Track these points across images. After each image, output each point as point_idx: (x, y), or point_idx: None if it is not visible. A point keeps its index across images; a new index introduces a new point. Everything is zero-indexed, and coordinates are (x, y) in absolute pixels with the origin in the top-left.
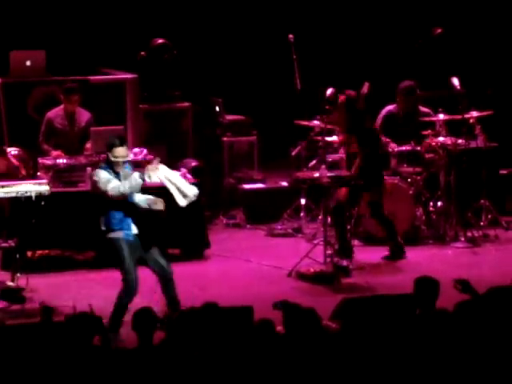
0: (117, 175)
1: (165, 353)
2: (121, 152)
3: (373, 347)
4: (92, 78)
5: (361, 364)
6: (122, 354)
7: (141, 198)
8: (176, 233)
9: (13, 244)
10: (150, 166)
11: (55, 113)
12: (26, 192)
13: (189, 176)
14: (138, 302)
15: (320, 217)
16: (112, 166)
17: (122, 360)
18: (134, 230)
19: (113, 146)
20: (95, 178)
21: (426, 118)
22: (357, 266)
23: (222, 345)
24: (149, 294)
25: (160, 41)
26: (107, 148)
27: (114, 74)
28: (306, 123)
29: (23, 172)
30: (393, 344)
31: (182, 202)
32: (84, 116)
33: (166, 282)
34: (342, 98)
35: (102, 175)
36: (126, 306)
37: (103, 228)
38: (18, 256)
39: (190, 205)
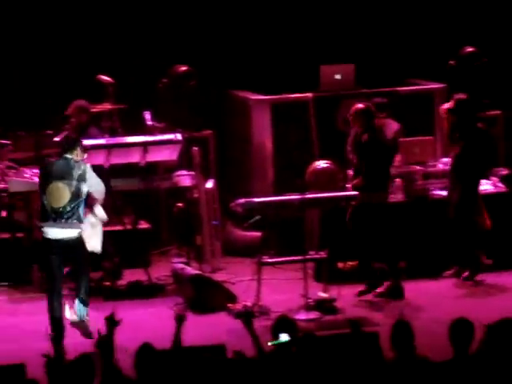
0: None
1: None
2: None
3: None
4: (400, 89)
5: None
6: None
7: None
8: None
9: (324, 255)
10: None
11: None
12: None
13: (500, 185)
14: None
15: None
16: None
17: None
18: None
19: None
20: None
21: None
22: None
23: None
24: None
25: (469, 49)
26: None
27: (423, 84)
28: None
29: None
30: None
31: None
32: (393, 127)
33: None
34: None
35: None
36: None
37: None
38: (328, 267)
39: None
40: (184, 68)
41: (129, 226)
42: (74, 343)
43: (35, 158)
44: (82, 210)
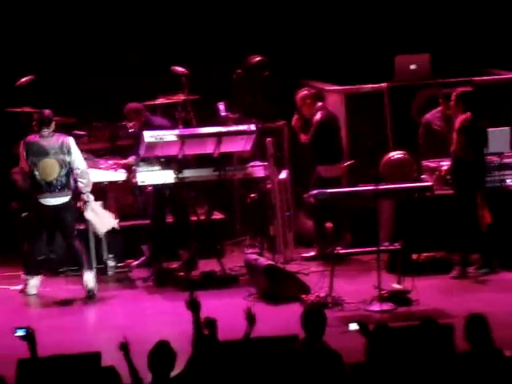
0: None
1: None
2: None
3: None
4: (476, 78)
5: None
6: None
7: None
8: None
9: (398, 246)
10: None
11: (433, 115)
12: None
13: None
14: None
15: None
16: None
17: None
18: None
19: None
20: None
21: None
22: None
23: None
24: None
25: None
26: None
27: (499, 74)
28: None
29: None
30: None
31: (102, 230)
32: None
33: None
34: None
35: None
36: None
37: None
38: (403, 258)
39: None
40: (258, 58)
41: (203, 217)
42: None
43: (110, 148)
44: (70, 177)
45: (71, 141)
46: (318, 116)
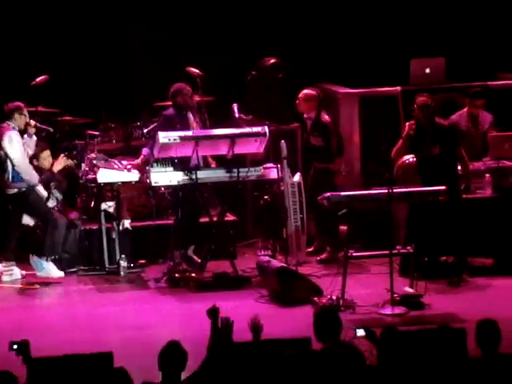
0: None
1: None
2: None
3: None
4: (491, 83)
5: None
6: None
7: None
8: None
9: (411, 250)
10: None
11: (459, 115)
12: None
13: None
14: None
15: None
16: None
17: None
18: None
19: None
20: None
21: None
22: None
23: None
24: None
25: None
26: None
27: None
28: None
29: None
30: None
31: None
32: (487, 118)
33: None
34: None
35: None
36: None
37: None
38: (415, 262)
39: None
40: (273, 60)
41: (215, 218)
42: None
43: (124, 149)
44: (11, 170)
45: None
46: (327, 118)
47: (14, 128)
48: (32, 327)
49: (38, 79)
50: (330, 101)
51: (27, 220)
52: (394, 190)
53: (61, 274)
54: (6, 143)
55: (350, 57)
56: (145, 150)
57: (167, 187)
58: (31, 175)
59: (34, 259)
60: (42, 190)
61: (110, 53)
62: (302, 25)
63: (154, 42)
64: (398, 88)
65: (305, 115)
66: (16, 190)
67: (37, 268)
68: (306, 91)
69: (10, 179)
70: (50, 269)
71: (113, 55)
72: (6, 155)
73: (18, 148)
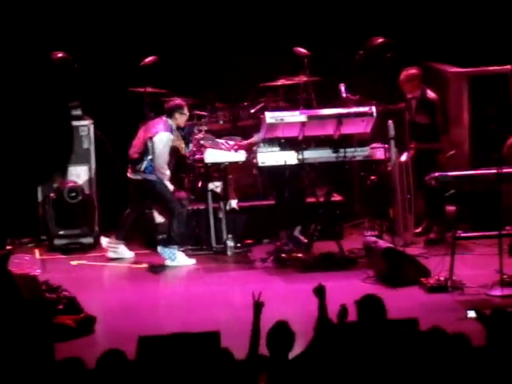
0: None
1: None
2: None
3: None
4: None
5: None
6: None
7: None
8: None
9: None
10: None
11: None
12: None
13: None
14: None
15: None
16: None
17: None
18: None
19: None
20: None
21: None
22: None
23: None
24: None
25: None
26: None
27: None
28: None
29: None
30: None
31: None
32: None
33: None
34: None
35: None
36: None
37: None
38: None
39: None
40: (381, 40)
41: (322, 199)
42: None
43: (231, 129)
44: (147, 160)
45: None
46: (433, 95)
47: (170, 127)
48: (142, 306)
49: (147, 60)
50: (439, 80)
51: (158, 218)
52: (504, 170)
53: (192, 261)
54: (157, 140)
55: (458, 35)
56: (256, 135)
57: (274, 167)
58: (163, 174)
59: (164, 250)
60: (169, 185)
61: (216, 33)
62: (412, 4)
63: (262, 22)
64: (509, 67)
65: (409, 95)
66: (141, 177)
67: (170, 258)
68: (406, 72)
69: (143, 169)
70: (181, 259)
71: (219, 35)
72: (152, 149)
73: (164, 150)
